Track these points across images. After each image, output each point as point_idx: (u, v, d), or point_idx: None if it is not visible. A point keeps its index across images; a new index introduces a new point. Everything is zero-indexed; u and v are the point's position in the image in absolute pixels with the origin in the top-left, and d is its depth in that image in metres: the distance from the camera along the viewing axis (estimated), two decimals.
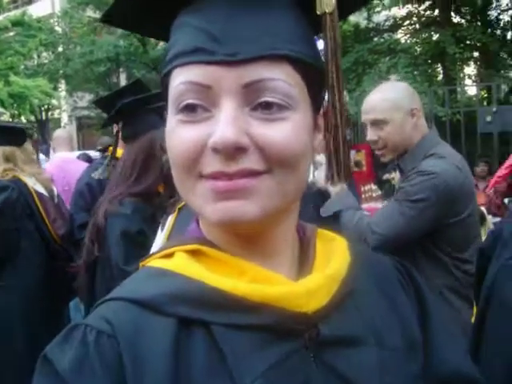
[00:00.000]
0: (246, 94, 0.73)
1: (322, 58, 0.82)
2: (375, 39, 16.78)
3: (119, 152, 3.62)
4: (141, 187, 2.70)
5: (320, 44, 0.83)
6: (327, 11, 0.78)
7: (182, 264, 0.81)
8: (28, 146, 3.94)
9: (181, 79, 0.75)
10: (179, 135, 0.75)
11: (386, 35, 16.86)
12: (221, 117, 0.72)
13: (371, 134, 2.66)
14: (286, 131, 0.74)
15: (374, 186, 6.85)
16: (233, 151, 0.71)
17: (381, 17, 17.27)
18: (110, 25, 0.90)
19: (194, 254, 0.82)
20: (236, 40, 0.73)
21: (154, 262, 0.86)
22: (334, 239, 0.92)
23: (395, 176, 2.98)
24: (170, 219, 2.06)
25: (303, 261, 0.87)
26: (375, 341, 0.84)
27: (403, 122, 2.59)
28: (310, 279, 0.81)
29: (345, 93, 0.83)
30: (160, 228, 2.21)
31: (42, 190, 3.82)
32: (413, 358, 0.88)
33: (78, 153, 7.71)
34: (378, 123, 2.62)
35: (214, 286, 0.77)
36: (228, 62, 0.72)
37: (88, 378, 0.71)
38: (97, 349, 0.73)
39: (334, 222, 3.61)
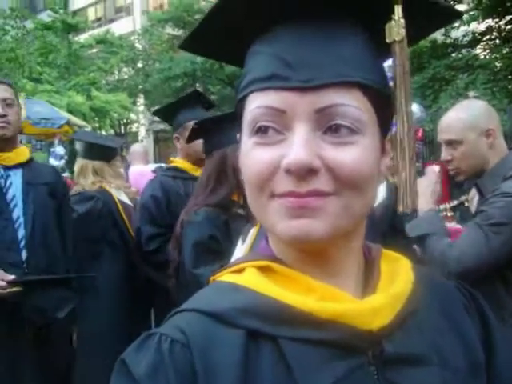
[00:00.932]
0: (318, 119, 0.76)
1: (391, 83, 0.84)
2: (453, 55, 16.42)
3: (179, 162, 3.76)
4: (215, 198, 2.85)
5: (387, 67, 0.86)
6: (397, 40, 0.80)
7: (252, 279, 0.84)
8: (116, 161, 4.18)
9: (257, 103, 0.78)
10: (253, 156, 0.79)
11: (464, 51, 16.47)
12: (294, 139, 0.75)
13: (445, 154, 2.64)
14: (356, 155, 0.76)
15: (448, 206, 6.71)
16: (305, 173, 0.74)
17: (459, 32, 16.87)
18: (188, 51, 0.96)
19: (263, 270, 0.85)
20: (309, 67, 0.76)
21: (225, 277, 0.89)
22: (398, 260, 0.93)
23: (471, 197, 2.90)
24: (253, 231, 2.12)
25: (368, 280, 0.88)
26: (438, 361, 0.84)
27: (477, 142, 2.53)
28: (375, 298, 0.83)
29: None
30: (241, 239, 2.28)
31: (127, 201, 4.04)
32: (476, 379, 0.87)
33: (153, 166, 7.91)
34: (451, 143, 2.59)
35: (284, 301, 0.79)
36: (302, 88, 0.75)
37: (162, 383, 0.75)
38: (171, 357, 0.76)
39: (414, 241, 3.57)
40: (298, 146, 0.74)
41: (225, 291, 0.85)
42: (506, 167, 2.49)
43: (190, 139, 3.30)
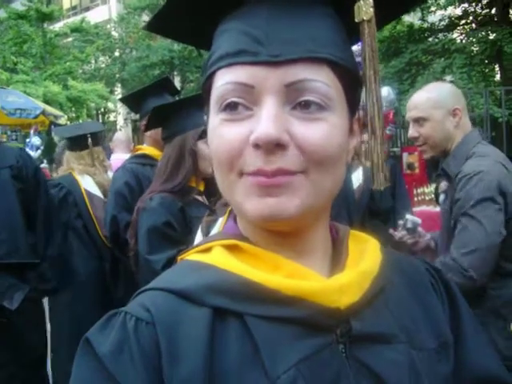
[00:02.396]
0: (287, 94, 0.76)
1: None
2: (430, 39, 16.49)
3: (148, 149, 3.75)
4: (171, 184, 2.84)
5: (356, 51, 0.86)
6: (365, 19, 0.80)
7: (219, 258, 0.84)
8: (95, 149, 4.18)
9: (225, 79, 0.78)
10: (222, 133, 0.78)
11: (440, 35, 16.54)
12: (262, 114, 0.75)
13: (412, 131, 2.74)
14: (324, 130, 0.76)
15: (427, 189, 6.77)
16: (273, 147, 0.74)
17: (436, 16, 16.94)
18: (154, 33, 0.94)
19: (231, 249, 0.85)
20: (278, 42, 0.76)
21: (192, 256, 0.89)
22: (367, 240, 0.93)
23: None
24: (221, 221, 2.11)
25: (335, 259, 0.88)
26: (406, 339, 0.84)
27: (444, 120, 2.63)
28: (343, 276, 0.83)
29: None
30: (200, 228, 2.26)
31: (96, 190, 4.03)
32: (443, 358, 0.88)
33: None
34: (418, 120, 2.69)
35: (250, 278, 0.80)
36: (271, 63, 0.75)
37: (126, 361, 0.75)
38: (135, 335, 0.77)
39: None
40: (267, 120, 0.74)
41: (191, 269, 0.85)
42: (468, 147, 2.59)
43: (147, 128, 3.29)
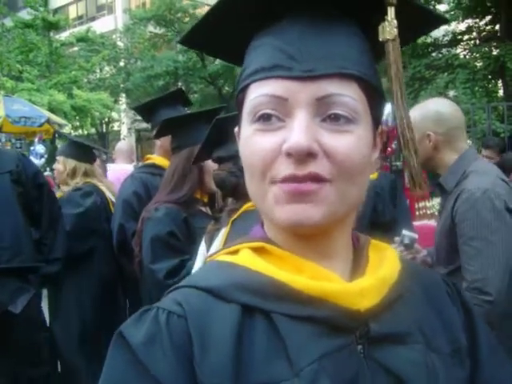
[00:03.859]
0: (318, 107, 0.81)
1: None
2: (433, 54, 16.58)
3: (157, 159, 3.80)
4: (176, 196, 2.88)
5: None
6: (389, 38, 0.86)
7: (247, 259, 0.89)
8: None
9: (260, 92, 0.83)
10: (255, 142, 0.83)
11: (444, 50, 16.63)
12: (294, 125, 0.80)
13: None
14: (351, 142, 0.81)
15: (428, 203, 6.77)
16: (304, 156, 0.78)
17: (439, 31, 17.01)
18: (188, 47, 1.01)
19: (257, 251, 0.90)
20: (311, 59, 0.81)
21: (221, 257, 0.94)
22: (385, 249, 0.97)
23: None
24: (224, 231, 2.15)
25: (356, 265, 0.93)
26: (423, 341, 0.88)
27: (420, 141, 2.61)
28: (363, 280, 0.87)
29: None
30: (204, 239, 2.30)
31: (111, 196, 4.20)
32: (457, 363, 0.91)
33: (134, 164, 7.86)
34: None
35: (277, 278, 0.84)
36: (304, 78, 0.80)
37: (158, 353, 0.79)
38: (167, 327, 0.81)
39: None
40: (299, 130, 0.79)
41: (220, 269, 0.90)
42: (464, 163, 2.61)
43: (158, 135, 3.33)
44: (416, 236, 2.97)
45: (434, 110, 2.76)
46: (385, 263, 0.91)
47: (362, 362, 0.83)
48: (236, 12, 0.87)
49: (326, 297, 0.82)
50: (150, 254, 2.79)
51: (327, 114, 0.81)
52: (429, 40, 16.75)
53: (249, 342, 0.81)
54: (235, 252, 0.92)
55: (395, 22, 0.85)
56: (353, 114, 0.81)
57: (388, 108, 6.37)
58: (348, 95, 0.81)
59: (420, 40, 16.33)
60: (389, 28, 0.85)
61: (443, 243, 2.63)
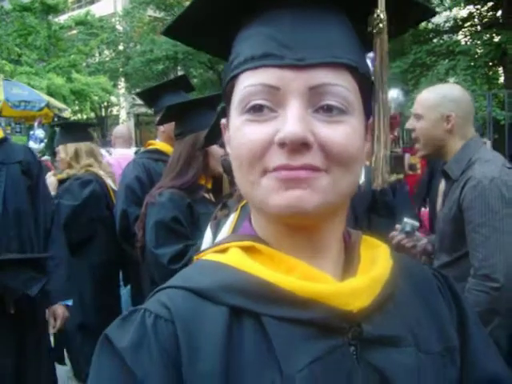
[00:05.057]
0: (311, 97, 0.79)
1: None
2: (434, 40, 16.49)
3: (160, 145, 3.80)
4: (180, 181, 2.89)
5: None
6: (378, 31, 0.85)
7: (236, 258, 0.87)
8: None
9: (251, 81, 0.81)
10: (246, 133, 0.81)
11: (445, 36, 16.54)
12: (288, 115, 0.78)
13: (409, 123, 2.82)
14: (345, 132, 0.80)
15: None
16: (298, 146, 0.77)
17: (441, 18, 16.92)
18: (171, 38, 0.96)
19: (247, 250, 0.88)
20: (303, 47, 0.79)
21: (209, 256, 0.92)
22: (378, 246, 0.96)
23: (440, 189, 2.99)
24: (233, 217, 2.15)
25: (348, 264, 0.91)
26: (414, 343, 0.87)
27: (436, 123, 2.68)
28: (355, 280, 0.86)
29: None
30: (209, 225, 2.30)
31: (112, 183, 4.24)
32: (450, 362, 0.91)
33: (135, 149, 7.84)
34: (416, 116, 2.76)
35: (266, 279, 0.82)
36: (296, 66, 0.79)
37: (145, 357, 0.77)
38: (154, 331, 0.79)
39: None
40: (293, 120, 0.77)
41: (209, 269, 0.88)
42: (470, 151, 2.63)
43: (161, 121, 3.33)
44: (417, 224, 2.98)
45: (454, 92, 2.77)
46: (377, 261, 0.90)
47: (354, 363, 0.82)
48: (222, 1, 0.84)
49: (317, 298, 0.81)
50: (154, 239, 2.80)
51: (320, 105, 0.79)
52: (430, 26, 16.67)
53: (238, 346, 0.79)
54: (224, 251, 0.90)
55: (385, 14, 0.83)
56: (345, 104, 0.80)
57: (389, 95, 6.36)
58: (341, 85, 0.80)
59: (421, 26, 16.25)
60: (377, 20, 0.84)
61: (447, 230, 2.64)
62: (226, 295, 0.82)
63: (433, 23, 16.78)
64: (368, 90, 0.86)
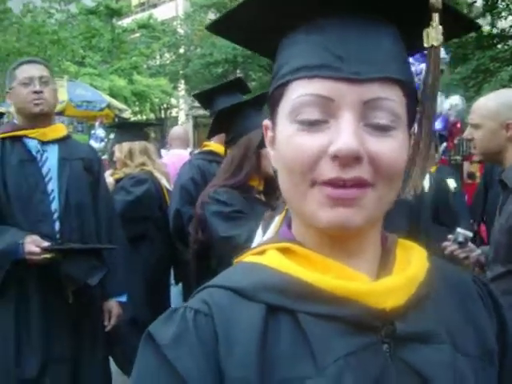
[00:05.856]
0: (364, 110, 0.79)
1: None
2: (499, 46, 16.07)
3: (214, 146, 3.83)
4: (232, 181, 2.92)
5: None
6: (435, 45, 0.83)
7: (273, 259, 0.89)
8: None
9: (305, 91, 0.81)
10: (298, 143, 0.81)
11: (510, 42, 16.08)
12: (342, 127, 0.78)
13: (467, 132, 2.78)
14: (394, 147, 0.80)
15: None
16: (351, 160, 0.77)
17: (506, 22, 16.44)
18: (216, 34, 0.97)
19: (284, 251, 0.90)
20: (358, 61, 0.79)
21: (248, 258, 0.94)
22: (412, 248, 0.96)
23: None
24: (278, 218, 2.15)
25: (384, 263, 0.92)
26: (449, 341, 0.87)
27: (495, 132, 2.60)
28: (390, 279, 0.86)
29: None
30: (261, 226, 2.30)
31: (166, 183, 4.32)
32: (487, 367, 0.89)
33: (190, 150, 7.89)
34: (473, 126, 2.70)
35: (302, 278, 0.84)
36: (352, 80, 0.79)
37: (186, 351, 0.80)
38: (194, 325, 0.82)
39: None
40: (348, 133, 0.77)
41: (247, 270, 0.90)
42: None
43: (211, 134, 3.40)
44: (470, 234, 2.91)
45: None
46: (412, 262, 0.90)
47: (387, 361, 0.82)
48: (272, 4, 0.84)
49: (351, 296, 0.82)
50: (222, 225, 2.81)
51: (371, 122, 0.79)
52: (494, 31, 16.23)
53: (273, 339, 0.81)
54: (262, 253, 0.92)
55: (440, 28, 0.82)
56: (396, 119, 0.81)
57: (450, 103, 6.23)
58: (392, 99, 0.80)
59: (485, 31, 15.85)
60: (434, 34, 0.82)
61: (503, 241, 2.56)
62: (264, 294, 0.84)
63: (497, 28, 16.33)
64: (413, 102, 0.86)
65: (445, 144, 6.54)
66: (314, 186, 0.81)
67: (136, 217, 4.11)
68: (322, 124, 0.80)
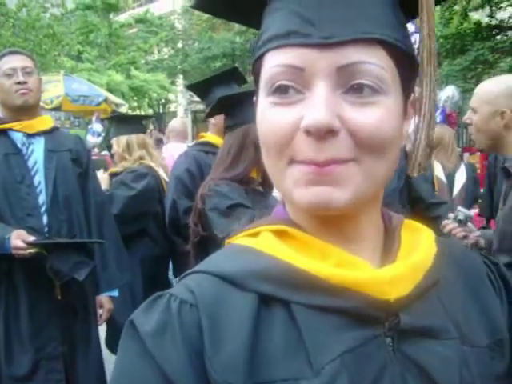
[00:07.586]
0: (339, 77, 0.72)
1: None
2: (498, 37, 16.00)
3: (211, 137, 3.79)
4: (231, 174, 2.86)
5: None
6: None
7: (267, 243, 0.82)
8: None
9: (275, 62, 0.75)
10: (271, 117, 0.76)
11: (509, 33, 16.01)
12: (313, 98, 0.72)
13: (467, 116, 2.75)
14: (377, 116, 0.73)
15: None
16: (324, 134, 0.71)
17: (505, 13, 16.37)
18: (201, 11, 0.92)
19: (279, 234, 0.83)
20: (330, 23, 0.72)
21: (240, 240, 0.87)
22: (420, 230, 0.89)
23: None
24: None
25: (388, 249, 0.85)
26: (458, 335, 0.81)
27: (490, 118, 2.59)
28: (394, 267, 0.80)
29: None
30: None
31: (165, 176, 4.27)
32: (497, 356, 0.84)
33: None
34: (472, 109, 2.68)
35: (298, 266, 0.77)
36: (323, 45, 0.72)
37: (168, 342, 0.74)
38: (179, 316, 0.76)
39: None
40: (318, 105, 0.71)
41: (238, 254, 0.84)
42: None
43: (211, 114, 3.33)
44: (471, 214, 2.89)
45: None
46: (419, 247, 0.83)
47: (390, 355, 0.76)
48: None
49: (351, 286, 0.75)
50: (219, 224, 2.75)
51: (349, 85, 0.72)
52: (493, 22, 16.16)
53: (265, 334, 0.75)
54: (255, 234, 0.85)
55: None
56: (379, 83, 0.72)
57: (446, 94, 6.20)
58: (373, 63, 0.72)
59: (484, 22, 15.81)
60: None
61: (508, 230, 2.51)
62: (255, 282, 0.77)
63: (496, 19, 16.26)
64: (408, 66, 0.78)
65: None
66: (292, 165, 0.75)
67: (137, 211, 4.07)
68: (296, 95, 0.74)
